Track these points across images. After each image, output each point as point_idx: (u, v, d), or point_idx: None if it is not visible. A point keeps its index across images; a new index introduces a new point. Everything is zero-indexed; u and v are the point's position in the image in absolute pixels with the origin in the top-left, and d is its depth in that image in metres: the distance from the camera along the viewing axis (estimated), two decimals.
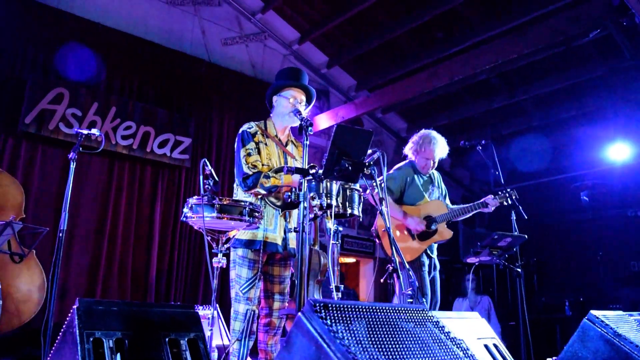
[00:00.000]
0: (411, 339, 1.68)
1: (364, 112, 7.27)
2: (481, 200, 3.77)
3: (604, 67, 6.41)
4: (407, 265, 2.65)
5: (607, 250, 7.38)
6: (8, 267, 3.96)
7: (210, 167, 2.55)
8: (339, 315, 1.59)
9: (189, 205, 2.53)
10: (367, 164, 2.55)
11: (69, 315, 1.94)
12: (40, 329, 2.92)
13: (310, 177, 2.43)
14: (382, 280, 2.97)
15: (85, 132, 3.34)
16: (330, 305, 1.60)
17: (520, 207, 3.58)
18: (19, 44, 5.27)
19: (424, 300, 3.51)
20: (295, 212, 2.97)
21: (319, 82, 7.85)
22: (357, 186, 2.70)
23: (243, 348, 2.73)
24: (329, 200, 2.55)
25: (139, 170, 5.91)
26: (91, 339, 1.87)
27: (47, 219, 4.94)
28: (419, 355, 1.63)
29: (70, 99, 5.37)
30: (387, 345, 1.58)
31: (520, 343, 3.35)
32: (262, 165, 2.90)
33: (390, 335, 1.63)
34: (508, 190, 3.68)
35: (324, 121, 7.38)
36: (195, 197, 2.52)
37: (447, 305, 6.99)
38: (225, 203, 2.46)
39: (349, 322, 1.59)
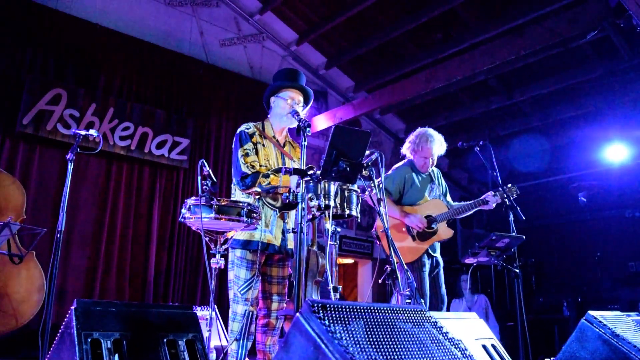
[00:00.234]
0: (409, 339, 1.68)
1: (362, 113, 7.28)
2: (481, 197, 3.74)
3: (601, 68, 6.43)
4: (405, 266, 2.66)
5: (604, 250, 7.40)
6: (7, 268, 3.94)
7: (208, 168, 2.55)
8: (337, 315, 1.59)
9: (187, 206, 2.52)
10: (365, 165, 2.55)
11: (67, 316, 1.93)
12: (38, 330, 2.92)
13: (309, 178, 2.44)
14: (380, 281, 2.97)
15: (83, 132, 3.34)
16: (328, 305, 1.60)
17: (518, 208, 3.58)
18: (17, 44, 5.26)
19: (422, 301, 3.51)
20: (293, 212, 2.98)
21: (317, 83, 7.85)
22: (356, 187, 2.70)
23: (241, 349, 2.73)
24: (327, 201, 2.55)
25: (137, 171, 5.91)
26: (89, 340, 1.86)
27: (45, 219, 4.92)
28: (417, 356, 1.63)
29: (68, 100, 5.36)
30: (385, 346, 1.58)
31: (518, 343, 3.35)
32: (260, 166, 2.89)
33: (388, 336, 1.63)
34: (509, 185, 3.67)
35: (322, 122, 7.38)
36: (193, 197, 2.52)
37: None
38: (223, 204, 2.46)
39: (347, 322, 1.59)
